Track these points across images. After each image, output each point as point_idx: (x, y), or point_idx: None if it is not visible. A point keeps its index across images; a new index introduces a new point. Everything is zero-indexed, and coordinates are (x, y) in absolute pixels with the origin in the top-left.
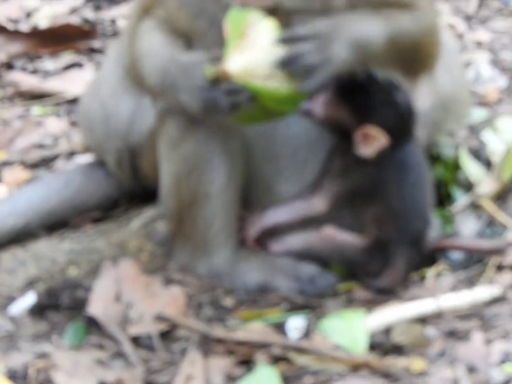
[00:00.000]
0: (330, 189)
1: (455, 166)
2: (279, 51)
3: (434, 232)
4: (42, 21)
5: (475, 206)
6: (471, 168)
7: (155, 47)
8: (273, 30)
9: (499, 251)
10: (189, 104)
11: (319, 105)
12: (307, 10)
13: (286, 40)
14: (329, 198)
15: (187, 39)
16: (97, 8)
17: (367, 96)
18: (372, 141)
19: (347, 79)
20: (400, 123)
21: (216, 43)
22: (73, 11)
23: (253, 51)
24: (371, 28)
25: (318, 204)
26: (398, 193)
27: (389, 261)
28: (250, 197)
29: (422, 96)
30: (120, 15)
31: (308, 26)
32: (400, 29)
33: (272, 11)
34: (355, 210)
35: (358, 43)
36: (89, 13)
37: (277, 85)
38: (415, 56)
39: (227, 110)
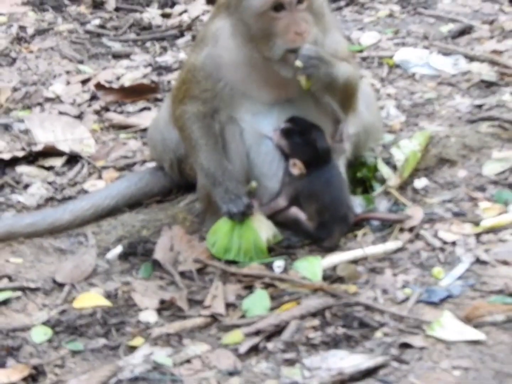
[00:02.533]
0: (286, 193)
1: (375, 168)
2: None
3: (362, 208)
4: (126, 82)
5: (386, 193)
6: (384, 170)
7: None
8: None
9: (401, 220)
10: (218, 198)
11: (276, 137)
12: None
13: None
14: (287, 199)
15: (215, 105)
16: (159, 74)
17: (298, 139)
18: (296, 168)
19: (292, 127)
20: (315, 158)
21: (234, 100)
22: (145, 76)
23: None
24: (342, 68)
25: (281, 202)
26: (328, 194)
27: (329, 233)
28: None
29: (350, 127)
30: (172, 78)
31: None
32: (350, 71)
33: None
34: (303, 207)
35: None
36: (154, 77)
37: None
38: (351, 94)
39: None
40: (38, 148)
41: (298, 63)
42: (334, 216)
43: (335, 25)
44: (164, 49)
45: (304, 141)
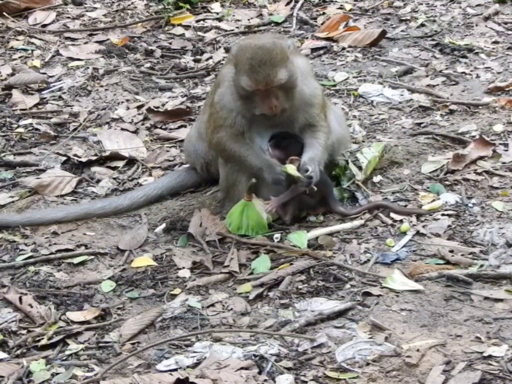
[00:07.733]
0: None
1: (344, 168)
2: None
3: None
4: (169, 107)
5: (354, 184)
6: (353, 169)
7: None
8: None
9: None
10: (268, 177)
11: (271, 151)
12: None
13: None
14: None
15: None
16: (192, 102)
17: (284, 144)
18: (295, 162)
19: (276, 140)
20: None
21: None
22: (182, 103)
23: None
24: (321, 154)
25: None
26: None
27: (329, 203)
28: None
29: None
30: (201, 105)
31: (311, 167)
32: (324, 145)
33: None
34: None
35: (319, 164)
36: (189, 104)
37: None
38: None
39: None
40: (106, 154)
41: (301, 181)
42: (328, 190)
43: (311, 74)
44: (196, 84)
45: (289, 143)
